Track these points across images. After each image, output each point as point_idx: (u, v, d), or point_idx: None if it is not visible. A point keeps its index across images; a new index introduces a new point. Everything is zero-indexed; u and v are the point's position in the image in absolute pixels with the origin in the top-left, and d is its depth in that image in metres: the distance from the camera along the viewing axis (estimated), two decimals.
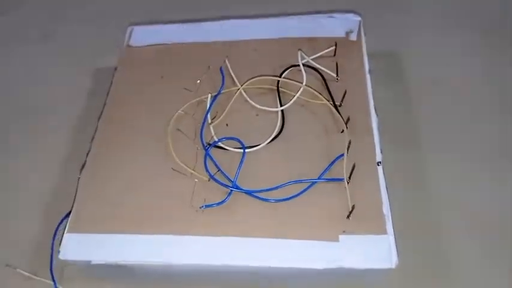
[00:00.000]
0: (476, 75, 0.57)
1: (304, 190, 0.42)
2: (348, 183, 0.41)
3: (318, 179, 0.42)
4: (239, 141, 0.45)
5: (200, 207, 0.42)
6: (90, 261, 0.41)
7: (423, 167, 0.50)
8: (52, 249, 0.45)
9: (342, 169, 0.41)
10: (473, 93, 0.56)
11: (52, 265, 0.45)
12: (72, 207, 0.44)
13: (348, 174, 0.42)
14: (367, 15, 0.54)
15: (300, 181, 0.42)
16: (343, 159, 0.42)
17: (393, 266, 0.38)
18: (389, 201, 0.41)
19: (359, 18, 0.53)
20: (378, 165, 0.43)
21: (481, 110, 0.54)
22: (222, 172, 0.44)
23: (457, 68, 0.58)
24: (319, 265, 0.38)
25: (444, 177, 0.49)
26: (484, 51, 0.59)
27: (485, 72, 0.58)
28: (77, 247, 0.42)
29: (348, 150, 0.43)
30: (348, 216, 0.40)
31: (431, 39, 0.61)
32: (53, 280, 0.44)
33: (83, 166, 0.46)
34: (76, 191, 0.45)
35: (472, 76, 0.57)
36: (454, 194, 0.48)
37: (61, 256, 0.41)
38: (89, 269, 0.44)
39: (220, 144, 0.46)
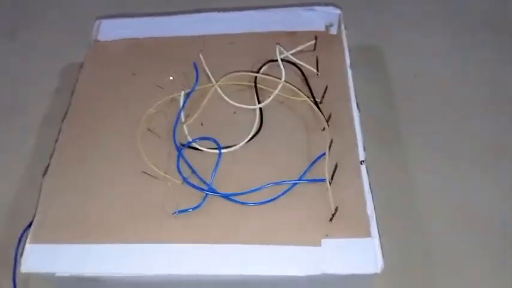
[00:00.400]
0: (460, 70, 0.56)
1: (284, 192, 0.39)
2: (330, 184, 0.39)
3: (299, 180, 0.40)
4: (215, 141, 0.43)
5: (173, 213, 0.39)
6: (54, 274, 0.38)
7: (407, 165, 0.49)
8: (15, 259, 0.41)
9: (324, 169, 0.39)
10: (457, 88, 0.55)
11: (15, 277, 0.41)
12: (34, 215, 0.40)
13: (330, 175, 0.40)
14: (348, 9, 0.52)
15: (280, 183, 0.40)
16: (324, 158, 0.40)
17: (378, 271, 0.36)
18: (373, 202, 0.39)
19: (339, 11, 0.51)
20: (361, 164, 0.41)
21: (465, 106, 0.53)
22: (197, 175, 0.41)
23: (440, 62, 0.57)
24: (301, 271, 0.36)
25: (429, 175, 0.48)
26: (467, 45, 0.58)
27: (469, 67, 0.56)
28: (40, 259, 0.38)
29: (329, 149, 0.41)
30: (331, 219, 0.38)
31: (413, 33, 0.60)
32: None
33: (46, 170, 0.43)
34: (38, 197, 0.41)
35: (455, 70, 0.56)
36: (440, 193, 0.47)
37: (23, 269, 0.38)
38: (55, 281, 0.41)
39: (194, 144, 0.43)
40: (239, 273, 0.36)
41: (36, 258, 0.38)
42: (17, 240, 0.41)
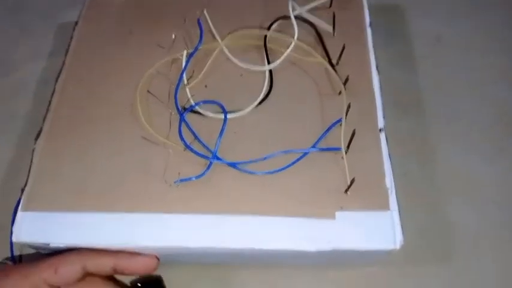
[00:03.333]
0: (487, 34, 0.52)
1: (296, 161, 0.36)
2: (345, 152, 0.36)
3: (312, 148, 0.37)
4: (220, 105, 0.39)
5: (175, 182, 0.36)
6: (48, 244, 0.36)
7: (427, 134, 0.45)
8: (12, 231, 0.39)
9: (339, 137, 0.36)
10: (483, 54, 0.50)
11: (13, 249, 0.39)
12: (27, 182, 0.38)
13: (346, 143, 0.36)
14: None
15: (291, 151, 0.37)
16: (340, 125, 0.37)
17: (397, 247, 0.33)
18: (392, 173, 0.36)
19: None
20: (381, 132, 0.37)
21: (490, 73, 0.49)
22: (200, 141, 0.38)
23: (466, 25, 0.52)
24: (312, 246, 0.33)
25: (450, 146, 0.44)
26: (496, 7, 0.54)
27: (497, 32, 0.52)
28: (33, 228, 0.36)
29: (346, 115, 0.37)
30: (346, 191, 0.35)
31: None
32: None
33: (39, 134, 0.40)
34: (31, 163, 0.38)
35: (482, 34, 0.52)
36: (461, 165, 0.43)
37: (15, 238, 0.35)
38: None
39: (197, 108, 0.39)
40: (244, 247, 0.34)
41: (29, 226, 0.36)
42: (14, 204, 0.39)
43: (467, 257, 0.39)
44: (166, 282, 0.38)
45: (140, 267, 0.35)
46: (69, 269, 0.34)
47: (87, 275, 0.35)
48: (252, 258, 0.37)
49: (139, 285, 0.38)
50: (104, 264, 0.34)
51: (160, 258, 0.36)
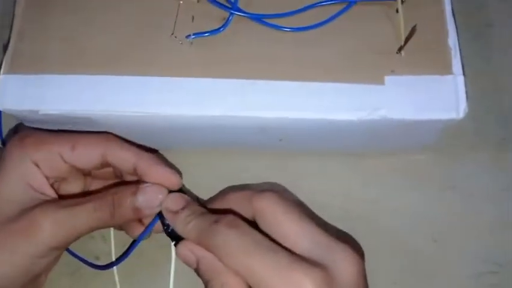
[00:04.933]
0: None
1: (338, 14, 0.29)
2: (402, 2, 0.29)
3: None
4: None
5: (187, 37, 0.29)
6: (37, 111, 0.30)
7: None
8: None
9: None
10: None
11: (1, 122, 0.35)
12: (9, 38, 0.31)
13: None
14: None
15: (332, 1, 0.29)
16: None
17: (461, 116, 0.27)
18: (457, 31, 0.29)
19: None
20: None
21: None
22: None
23: None
24: (354, 115, 0.27)
25: None
26: None
27: None
28: (20, 92, 0.30)
29: None
30: (399, 50, 0.28)
31: None
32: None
33: None
34: (13, 17, 0.32)
35: None
36: None
37: None
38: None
39: None
40: (274, 116, 0.28)
41: (14, 92, 0.30)
42: None
43: None
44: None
45: (161, 177, 0.29)
46: (88, 149, 0.29)
47: (105, 165, 0.30)
48: (274, 139, 0.32)
49: None
50: (125, 159, 0.29)
51: (169, 136, 0.31)
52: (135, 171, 0.29)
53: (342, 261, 0.23)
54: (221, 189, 0.33)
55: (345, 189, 0.34)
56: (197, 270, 0.26)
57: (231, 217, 0.25)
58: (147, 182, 0.29)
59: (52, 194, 0.29)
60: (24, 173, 0.29)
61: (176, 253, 0.27)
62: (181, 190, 0.30)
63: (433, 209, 0.33)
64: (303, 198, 0.33)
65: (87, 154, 0.29)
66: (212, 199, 0.31)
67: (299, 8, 0.29)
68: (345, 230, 0.32)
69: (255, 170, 0.34)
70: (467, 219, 0.33)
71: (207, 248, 0.25)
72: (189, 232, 0.27)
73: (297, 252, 0.24)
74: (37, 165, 0.29)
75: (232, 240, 0.24)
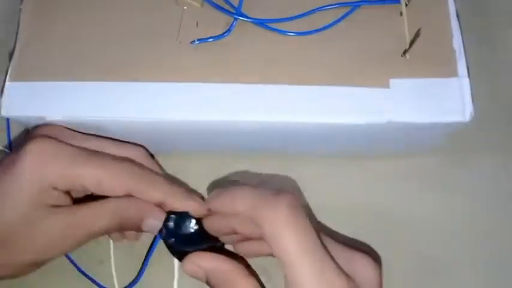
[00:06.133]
0: None
1: (340, 19, 0.29)
2: (406, 4, 0.29)
3: (362, 1, 0.29)
4: None
5: (191, 43, 0.29)
6: (44, 118, 0.30)
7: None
8: None
9: None
10: None
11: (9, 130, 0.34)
12: (14, 48, 0.32)
13: None
14: None
15: (335, 5, 0.29)
16: None
17: (467, 119, 0.27)
18: (461, 33, 0.29)
19: None
20: None
21: None
22: None
23: None
24: (360, 119, 0.27)
25: None
26: None
27: None
28: (25, 99, 0.30)
29: None
30: (404, 53, 0.28)
31: None
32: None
33: None
34: (18, 27, 0.32)
35: None
36: None
37: (4, 112, 0.30)
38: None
39: None
40: (280, 120, 0.28)
41: (20, 98, 0.30)
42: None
43: None
44: (180, 173, 0.34)
45: (187, 209, 0.28)
46: (114, 186, 0.28)
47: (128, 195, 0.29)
48: (278, 142, 0.32)
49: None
50: (153, 198, 0.28)
51: (174, 141, 0.31)
52: (162, 205, 0.29)
53: (362, 270, 0.24)
54: None
55: (351, 193, 0.34)
56: (208, 283, 0.26)
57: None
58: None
59: (67, 202, 0.29)
60: (40, 195, 0.27)
61: (183, 269, 0.26)
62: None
63: (441, 211, 0.33)
64: (310, 202, 0.33)
65: (112, 191, 0.28)
66: (218, 193, 0.28)
67: (302, 12, 0.29)
68: (353, 234, 0.32)
69: (261, 173, 0.34)
70: (475, 222, 0.33)
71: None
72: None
73: None
74: (56, 189, 0.28)
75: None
